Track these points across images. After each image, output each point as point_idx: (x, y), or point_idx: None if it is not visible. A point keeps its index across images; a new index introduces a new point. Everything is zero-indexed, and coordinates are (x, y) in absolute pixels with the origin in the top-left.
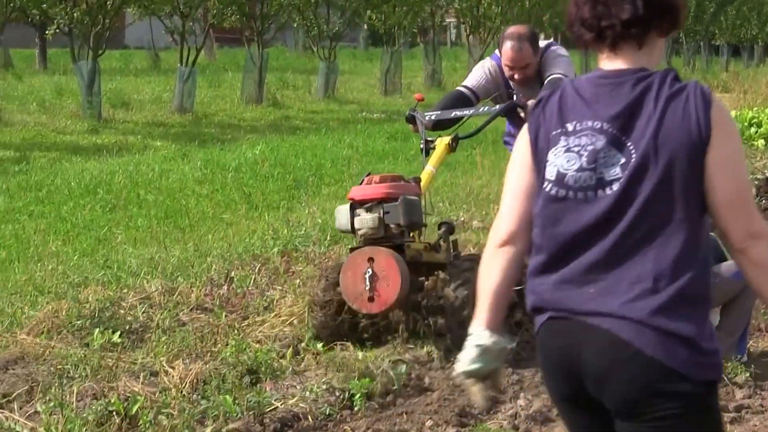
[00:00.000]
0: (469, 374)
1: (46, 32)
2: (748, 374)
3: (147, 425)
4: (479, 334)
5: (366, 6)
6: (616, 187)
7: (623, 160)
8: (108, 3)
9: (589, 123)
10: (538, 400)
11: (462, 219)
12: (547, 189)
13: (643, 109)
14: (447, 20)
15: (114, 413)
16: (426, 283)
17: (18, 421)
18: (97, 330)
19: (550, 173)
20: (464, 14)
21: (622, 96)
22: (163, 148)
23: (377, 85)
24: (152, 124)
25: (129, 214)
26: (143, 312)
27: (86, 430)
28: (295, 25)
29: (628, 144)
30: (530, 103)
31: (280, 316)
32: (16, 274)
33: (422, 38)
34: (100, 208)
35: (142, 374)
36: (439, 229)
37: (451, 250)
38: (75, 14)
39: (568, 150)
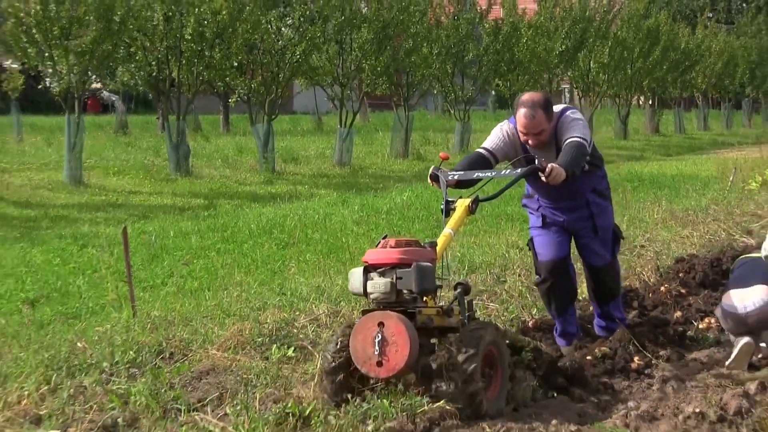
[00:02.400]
0: None
1: (229, 100)
2: None
3: (318, 424)
4: None
5: (494, 75)
6: None
7: None
8: (280, 75)
9: None
10: (645, 402)
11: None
12: None
13: None
14: (562, 86)
15: (290, 415)
16: (437, 345)
17: (211, 422)
18: (275, 346)
19: None
20: (576, 81)
21: None
22: (326, 195)
23: None
24: (317, 175)
25: (299, 250)
26: (312, 331)
27: (267, 429)
28: (435, 92)
29: None
30: (549, 166)
31: None
32: (207, 300)
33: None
34: (275, 246)
35: (312, 382)
36: (454, 289)
37: (466, 311)
38: (253, 85)
39: None
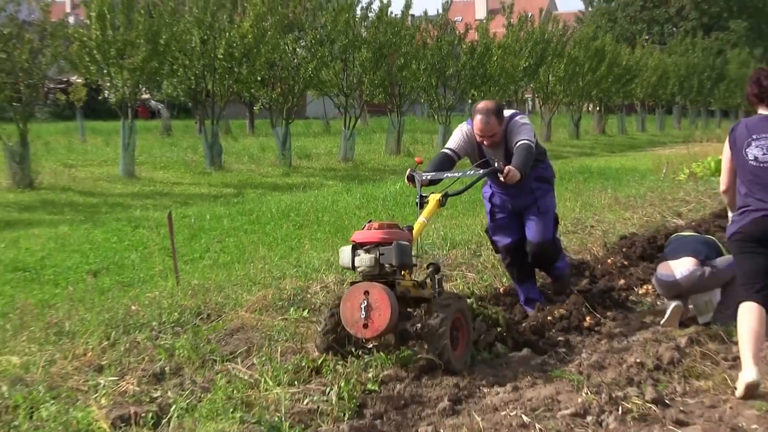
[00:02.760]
0: None
1: (254, 108)
2: None
3: (328, 372)
4: None
5: (470, 87)
6: None
7: None
8: (295, 88)
9: (764, 135)
10: (595, 354)
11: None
12: (752, 163)
13: None
14: (526, 96)
15: (306, 365)
16: (413, 313)
17: (241, 370)
18: (293, 308)
19: (751, 156)
20: (538, 91)
21: None
22: (333, 185)
23: None
24: (326, 169)
25: (312, 230)
26: (323, 296)
27: (287, 376)
28: (422, 101)
29: None
30: (506, 168)
31: None
32: (236, 271)
33: (508, 108)
34: (292, 226)
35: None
36: (427, 268)
37: (437, 287)
38: (273, 96)
39: (757, 147)
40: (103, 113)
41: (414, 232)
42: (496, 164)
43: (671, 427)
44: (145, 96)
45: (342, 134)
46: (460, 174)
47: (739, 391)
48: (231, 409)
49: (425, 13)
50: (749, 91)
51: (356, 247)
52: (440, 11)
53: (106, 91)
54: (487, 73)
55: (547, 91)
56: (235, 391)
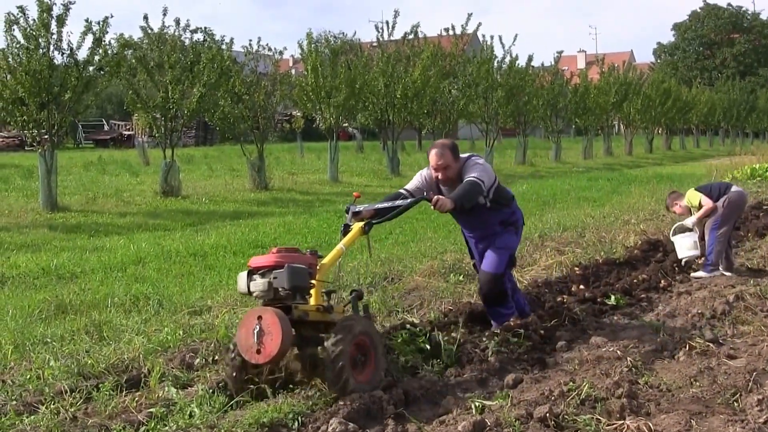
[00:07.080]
0: None
1: (422, 131)
2: None
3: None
4: None
5: (574, 116)
6: None
7: None
8: (450, 118)
9: None
10: (668, 306)
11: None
12: None
13: None
14: (613, 122)
15: (458, 314)
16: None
17: (416, 318)
18: (452, 274)
19: None
20: (622, 119)
21: None
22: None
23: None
24: None
25: None
26: (473, 266)
27: (447, 319)
28: (541, 126)
29: None
30: (435, 197)
31: (540, 267)
32: (411, 248)
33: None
34: (451, 216)
35: (475, 295)
36: (350, 294)
37: (360, 312)
38: (435, 123)
39: None
40: (316, 136)
41: (329, 257)
42: (424, 194)
43: (724, 360)
44: (345, 124)
45: (484, 150)
46: (389, 204)
47: None
48: (408, 346)
49: (542, 64)
50: None
51: (252, 272)
52: (552, 63)
53: (318, 121)
54: (587, 106)
55: (628, 119)
56: (413, 336)
